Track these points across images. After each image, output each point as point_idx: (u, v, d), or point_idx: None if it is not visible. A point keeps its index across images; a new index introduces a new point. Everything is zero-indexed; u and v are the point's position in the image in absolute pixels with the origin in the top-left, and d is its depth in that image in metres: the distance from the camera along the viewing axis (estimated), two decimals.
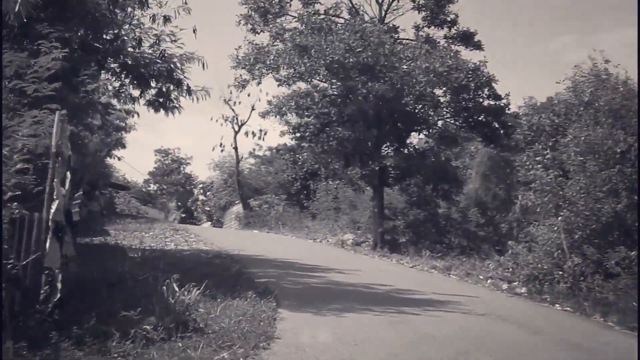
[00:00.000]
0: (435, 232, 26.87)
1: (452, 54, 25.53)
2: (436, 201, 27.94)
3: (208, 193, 55.60)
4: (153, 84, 15.78)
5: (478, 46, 28.77)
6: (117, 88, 15.90)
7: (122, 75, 15.50)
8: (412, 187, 27.99)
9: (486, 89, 25.77)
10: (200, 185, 59.92)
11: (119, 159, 34.98)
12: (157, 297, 7.65)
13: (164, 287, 8.02)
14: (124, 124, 33.96)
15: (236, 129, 44.19)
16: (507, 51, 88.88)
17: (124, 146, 33.93)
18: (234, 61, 28.15)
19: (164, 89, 15.87)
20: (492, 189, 30.68)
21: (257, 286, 11.49)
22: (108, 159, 34.29)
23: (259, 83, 29.82)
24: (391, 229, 27.11)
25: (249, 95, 45.31)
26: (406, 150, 27.31)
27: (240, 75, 31.22)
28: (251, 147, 55.33)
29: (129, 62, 15.05)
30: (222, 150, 44.51)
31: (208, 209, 53.81)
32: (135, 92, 15.95)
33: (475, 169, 32.19)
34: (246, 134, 44.32)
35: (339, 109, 26.19)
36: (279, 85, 26.71)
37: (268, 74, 27.26)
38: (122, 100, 16.38)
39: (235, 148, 44.84)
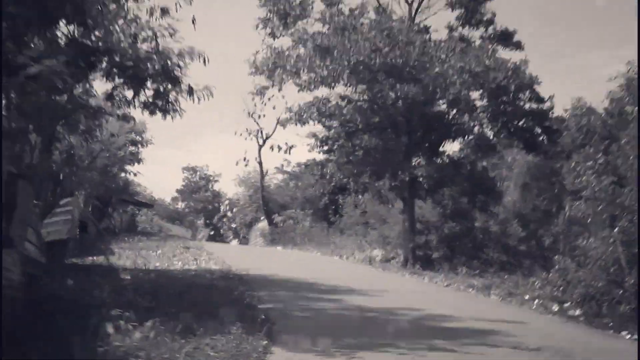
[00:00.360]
0: (472, 247, 24.41)
1: (489, 52, 23.25)
2: (472, 214, 25.55)
3: (234, 209, 53.92)
4: (149, 84, 14.12)
5: (518, 46, 26.25)
6: (109, 90, 14.27)
7: (115, 76, 13.86)
8: (446, 199, 25.66)
9: (527, 91, 23.44)
10: (227, 202, 58.33)
11: (134, 174, 33.26)
12: (82, 339, 5.62)
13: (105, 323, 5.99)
14: (139, 138, 32.48)
15: (261, 142, 42.61)
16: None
17: (139, 161, 32.34)
18: (251, 67, 26.28)
19: (161, 89, 14.16)
20: (532, 200, 28.19)
21: (254, 315, 9.43)
22: (123, 174, 32.76)
23: (279, 89, 27.72)
24: (423, 244, 24.81)
25: (274, 108, 44.00)
26: (439, 159, 24.95)
27: (259, 84, 29.64)
28: (277, 162, 53.65)
29: (123, 62, 13.43)
30: (246, 165, 42.79)
31: (234, 225, 52.06)
32: (129, 94, 14.25)
33: (514, 179, 29.75)
34: (271, 148, 42.38)
35: (365, 115, 24.10)
36: (299, 91, 24.75)
37: (289, 79, 25.33)
38: (115, 104, 14.60)
39: (260, 163, 43.23)
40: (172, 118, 14.53)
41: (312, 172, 41.85)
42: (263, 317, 9.39)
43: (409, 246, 23.76)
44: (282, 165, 49.10)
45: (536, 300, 14.54)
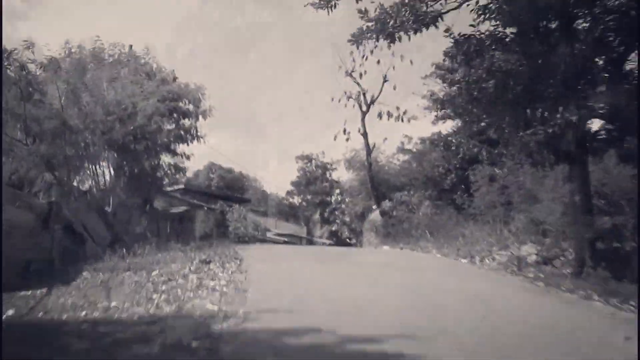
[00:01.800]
0: None
1: None
2: None
3: (347, 199, 44.85)
4: None
5: None
6: None
7: None
8: None
9: None
10: (337, 191, 49.44)
11: (187, 157, 25.16)
12: None
13: None
14: (191, 107, 24.48)
15: (364, 108, 33.43)
16: None
17: (192, 138, 24.19)
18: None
19: None
20: None
21: None
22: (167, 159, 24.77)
23: (390, 41, 18.10)
24: (608, 231, 14.66)
25: (378, 62, 34.74)
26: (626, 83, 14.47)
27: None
28: (389, 135, 43.87)
29: None
30: (347, 139, 33.75)
31: (348, 218, 42.98)
32: None
33: None
34: (379, 115, 33.25)
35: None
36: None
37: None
38: None
39: (365, 134, 33.85)
40: None
41: (438, 147, 32.54)
42: None
43: (585, 237, 13.77)
44: (402, 143, 39.54)
45: None
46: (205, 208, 35.50)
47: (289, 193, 64.69)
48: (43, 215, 12.71)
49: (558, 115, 13.23)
